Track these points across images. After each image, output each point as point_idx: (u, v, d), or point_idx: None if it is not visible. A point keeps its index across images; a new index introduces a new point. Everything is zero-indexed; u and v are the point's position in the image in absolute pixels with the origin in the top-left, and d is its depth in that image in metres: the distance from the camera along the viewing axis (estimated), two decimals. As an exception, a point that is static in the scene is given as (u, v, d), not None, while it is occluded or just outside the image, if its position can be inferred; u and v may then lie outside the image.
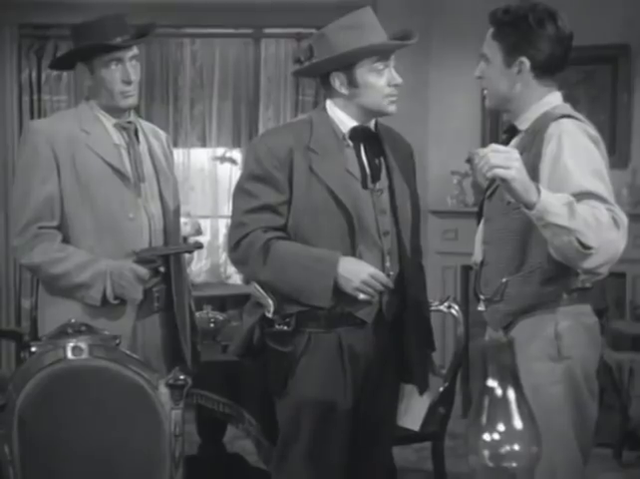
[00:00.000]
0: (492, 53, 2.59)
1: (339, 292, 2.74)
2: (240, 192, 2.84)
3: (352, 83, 2.78)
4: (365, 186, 2.83)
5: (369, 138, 2.86)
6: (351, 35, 2.74)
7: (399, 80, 2.79)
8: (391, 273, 2.84)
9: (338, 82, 2.79)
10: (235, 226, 2.83)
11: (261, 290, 2.83)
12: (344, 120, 2.83)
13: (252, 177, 2.80)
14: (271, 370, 2.85)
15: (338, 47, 2.73)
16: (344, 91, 2.79)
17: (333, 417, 2.81)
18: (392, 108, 2.82)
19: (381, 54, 2.76)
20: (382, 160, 2.88)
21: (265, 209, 2.77)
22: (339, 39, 2.74)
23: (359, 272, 2.70)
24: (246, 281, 5.32)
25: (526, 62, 2.54)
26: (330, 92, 2.84)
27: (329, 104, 2.86)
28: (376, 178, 2.85)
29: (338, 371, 2.82)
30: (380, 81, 2.77)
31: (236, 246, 2.81)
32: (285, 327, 2.79)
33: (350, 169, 2.82)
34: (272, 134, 3.00)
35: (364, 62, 2.75)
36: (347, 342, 2.82)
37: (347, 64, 2.76)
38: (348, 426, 2.84)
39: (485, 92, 2.67)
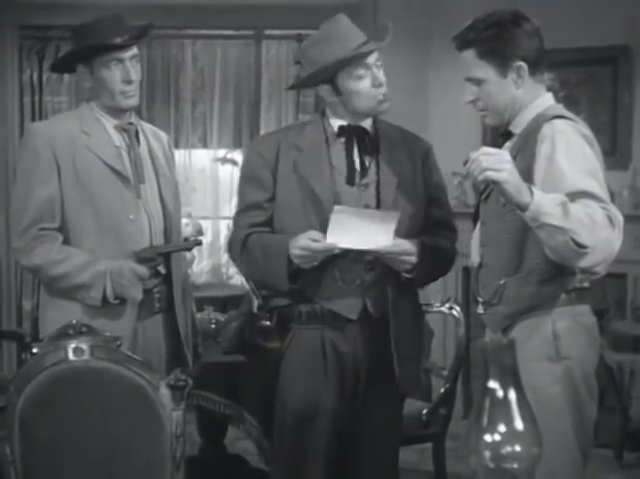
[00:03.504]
0: (483, 72, 2.55)
1: (307, 279, 2.78)
2: (237, 194, 3.00)
3: (337, 92, 2.83)
4: (351, 182, 2.85)
5: (361, 135, 2.88)
6: (319, 50, 2.79)
7: (382, 79, 2.81)
8: (368, 268, 2.83)
9: (325, 92, 2.86)
10: (232, 226, 3.00)
11: (252, 286, 2.96)
12: (336, 120, 2.88)
13: (243, 178, 2.97)
14: (261, 367, 2.90)
15: (311, 64, 2.81)
16: (334, 99, 2.86)
17: (313, 416, 2.81)
18: (383, 107, 2.85)
19: (353, 62, 2.77)
20: (374, 157, 2.89)
21: (251, 207, 2.89)
22: (311, 55, 2.82)
23: (296, 241, 2.73)
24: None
25: (523, 64, 2.53)
26: (324, 99, 2.92)
27: (327, 107, 2.93)
28: (364, 174, 2.86)
29: (319, 369, 2.82)
30: (363, 85, 2.80)
31: (229, 245, 3.00)
32: (268, 322, 2.86)
33: (335, 164, 2.85)
34: (263, 137, 3.20)
35: (342, 71, 2.78)
36: (330, 339, 2.82)
37: (326, 76, 2.81)
38: (330, 426, 2.84)
39: (484, 113, 2.63)
